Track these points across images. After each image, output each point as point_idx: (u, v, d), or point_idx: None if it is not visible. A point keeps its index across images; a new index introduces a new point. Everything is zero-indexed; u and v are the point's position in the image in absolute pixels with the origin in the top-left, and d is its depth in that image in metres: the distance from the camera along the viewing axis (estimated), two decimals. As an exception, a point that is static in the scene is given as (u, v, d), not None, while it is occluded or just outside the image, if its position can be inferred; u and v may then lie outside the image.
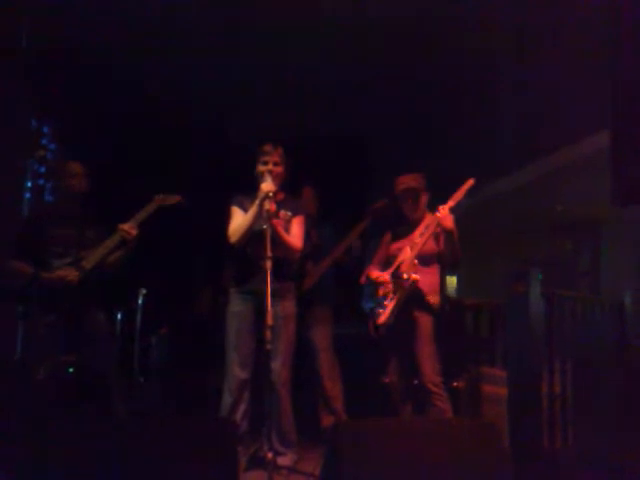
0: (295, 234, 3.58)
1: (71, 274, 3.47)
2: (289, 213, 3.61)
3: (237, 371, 3.50)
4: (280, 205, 3.57)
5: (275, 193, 3.41)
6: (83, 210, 3.72)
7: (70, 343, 3.47)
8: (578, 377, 3.26)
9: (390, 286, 3.57)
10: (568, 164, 5.80)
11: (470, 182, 3.44)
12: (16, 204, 5.04)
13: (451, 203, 3.42)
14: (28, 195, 5.25)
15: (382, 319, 3.53)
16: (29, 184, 5.29)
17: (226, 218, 3.62)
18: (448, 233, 3.44)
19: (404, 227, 3.76)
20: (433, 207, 3.72)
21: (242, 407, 3.50)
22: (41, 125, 5.54)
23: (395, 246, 3.73)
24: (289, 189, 3.75)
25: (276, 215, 3.46)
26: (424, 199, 3.72)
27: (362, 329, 3.78)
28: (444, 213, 3.37)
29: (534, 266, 3.15)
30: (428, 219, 3.66)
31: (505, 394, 3.26)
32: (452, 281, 6.50)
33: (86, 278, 3.50)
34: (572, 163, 5.75)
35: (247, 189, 3.58)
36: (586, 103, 4.63)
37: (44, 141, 5.63)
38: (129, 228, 3.55)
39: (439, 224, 3.41)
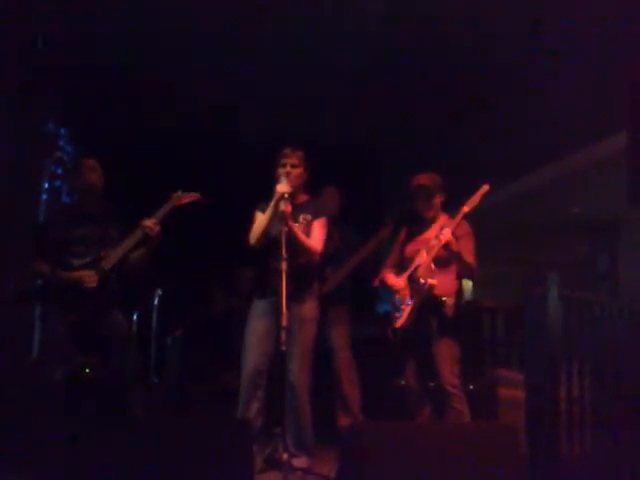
0: (315, 237, 3.56)
1: (89, 277, 3.44)
2: (309, 216, 3.59)
3: (253, 371, 3.50)
4: (301, 208, 3.57)
5: (292, 194, 3.41)
6: (105, 208, 3.68)
7: (89, 343, 3.47)
8: (597, 380, 3.23)
9: (407, 290, 3.55)
10: (585, 165, 5.76)
11: (485, 188, 3.42)
12: (33, 205, 5.08)
13: (466, 209, 3.40)
14: (45, 196, 5.29)
15: (399, 323, 3.52)
16: (46, 185, 5.33)
17: (247, 221, 3.63)
18: (456, 255, 3.43)
19: (418, 225, 3.74)
20: (449, 209, 3.71)
21: (256, 405, 3.49)
22: (58, 127, 5.59)
23: (410, 247, 3.70)
24: (311, 192, 3.74)
25: (294, 218, 3.45)
26: (438, 199, 3.70)
27: (378, 331, 3.77)
28: (447, 237, 3.35)
29: (552, 268, 3.12)
30: (442, 220, 3.64)
31: (522, 397, 3.23)
32: (468, 283, 6.47)
33: (105, 279, 3.48)
34: (589, 164, 5.70)
35: (270, 193, 3.58)
36: (603, 105, 4.59)
37: (61, 143, 5.67)
38: (152, 224, 3.51)
39: (444, 248, 3.39)
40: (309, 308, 3.58)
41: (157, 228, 3.53)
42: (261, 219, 3.51)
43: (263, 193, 3.57)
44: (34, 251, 3.57)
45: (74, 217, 3.61)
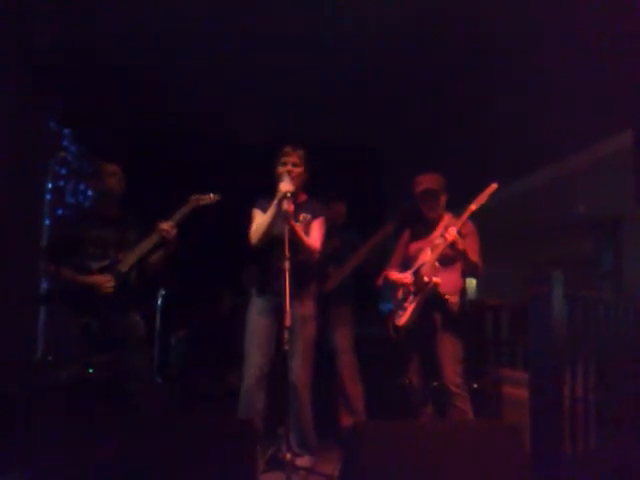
0: (314, 236, 3.57)
1: (107, 282, 3.44)
2: (309, 216, 3.60)
3: (254, 371, 3.50)
4: (301, 207, 3.57)
5: (294, 194, 3.41)
6: (122, 212, 3.69)
7: (104, 345, 3.46)
8: (601, 380, 3.21)
9: (410, 288, 3.54)
10: (589, 164, 5.74)
11: (493, 186, 3.39)
12: (37, 205, 5.09)
13: (473, 207, 3.39)
14: (49, 196, 5.30)
15: (402, 321, 3.51)
16: (50, 185, 5.34)
17: (248, 220, 3.63)
18: (462, 254, 3.43)
19: (422, 226, 3.73)
20: (453, 207, 3.70)
21: (258, 406, 3.50)
22: (61, 127, 5.59)
23: (414, 246, 3.70)
24: (311, 192, 3.75)
25: (295, 217, 3.46)
26: (443, 199, 3.69)
27: (382, 330, 3.76)
28: (453, 235, 3.34)
29: (556, 267, 3.11)
30: (447, 219, 3.63)
31: (526, 396, 3.22)
32: (472, 282, 6.47)
33: (122, 281, 3.49)
34: (593, 163, 5.68)
35: (268, 191, 3.58)
36: (607, 103, 4.57)
37: (65, 143, 5.68)
38: (169, 227, 3.51)
39: (450, 246, 3.39)
40: (309, 306, 3.59)
41: (174, 231, 3.54)
42: (264, 218, 3.51)
43: (265, 192, 3.57)
44: (50, 252, 3.58)
45: (92, 220, 3.62)
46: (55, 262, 3.51)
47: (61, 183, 5.52)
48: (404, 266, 3.73)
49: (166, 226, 3.52)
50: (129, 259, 3.52)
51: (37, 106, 4.84)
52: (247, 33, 4.73)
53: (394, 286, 3.68)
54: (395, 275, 3.69)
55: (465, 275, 3.68)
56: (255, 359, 3.51)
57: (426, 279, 3.44)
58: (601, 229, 8.02)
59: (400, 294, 3.61)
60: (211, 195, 3.69)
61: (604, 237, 8.05)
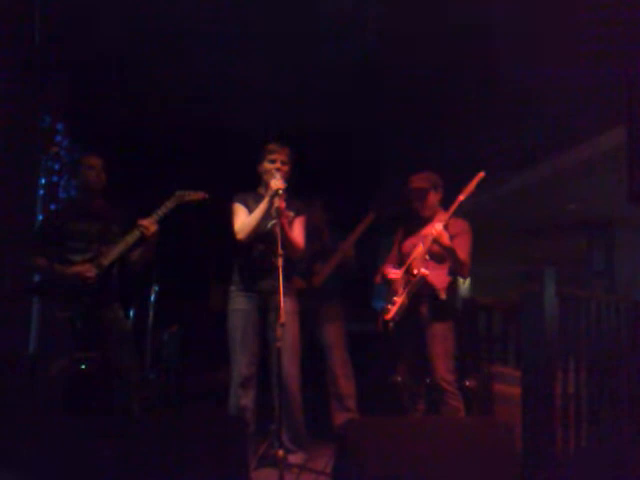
0: (298, 234, 3.61)
1: (88, 271, 3.45)
2: (292, 214, 3.63)
3: (244, 369, 3.50)
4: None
5: (284, 191, 3.42)
6: (106, 205, 3.69)
7: (88, 339, 3.47)
8: (592, 378, 3.23)
9: (401, 282, 3.56)
10: (582, 161, 5.76)
11: (480, 175, 3.41)
12: (30, 200, 5.06)
13: (461, 197, 3.40)
14: (42, 192, 5.28)
15: (390, 314, 3.51)
16: (43, 181, 5.32)
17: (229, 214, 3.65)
18: (448, 249, 3.44)
19: (416, 223, 3.75)
20: (447, 203, 3.70)
21: (249, 405, 3.50)
22: (55, 122, 5.57)
23: (408, 243, 3.71)
24: (298, 192, 3.76)
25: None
26: (434, 197, 3.69)
27: (373, 326, 3.77)
28: (439, 230, 3.35)
29: (548, 265, 3.12)
30: (440, 216, 3.64)
31: (518, 393, 3.23)
32: (465, 280, 6.49)
33: (105, 274, 3.49)
34: (586, 160, 5.71)
35: (251, 187, 3.62)
36: (601, 99, 4.59)
37: (58, 138, 5.65)
38: (148, 224, 3.49)
39: (436, 242, 3.40)
40: (293, 302, 3.61)
41: (153, 227, 3.52)
42: (254, 214, 3.51)
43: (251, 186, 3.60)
44: (33, 246, 3.57)
45: (75, 213, 3.62)
46: (40, 255, 3.51)
47: (54, 178, 5.50)
48: (400, 263, 3.74)
49: (145, 223, 3.50)
50: (111, 253, 3.51)
51: (31, 101, 4.82)
52: (247, 33, 4.71)
53: (389, 283, 3.69)
54: (392, 274, 3.70)
55: (451, 273, 3.68)
56: (245, 363, 3.51)
57: (415, 271, 3.46)
58: (593, 229, 8.07)
59: (392, 289, 3.62)
60: (198, 192, 3.69)
61: (596, 236, 8.10)
